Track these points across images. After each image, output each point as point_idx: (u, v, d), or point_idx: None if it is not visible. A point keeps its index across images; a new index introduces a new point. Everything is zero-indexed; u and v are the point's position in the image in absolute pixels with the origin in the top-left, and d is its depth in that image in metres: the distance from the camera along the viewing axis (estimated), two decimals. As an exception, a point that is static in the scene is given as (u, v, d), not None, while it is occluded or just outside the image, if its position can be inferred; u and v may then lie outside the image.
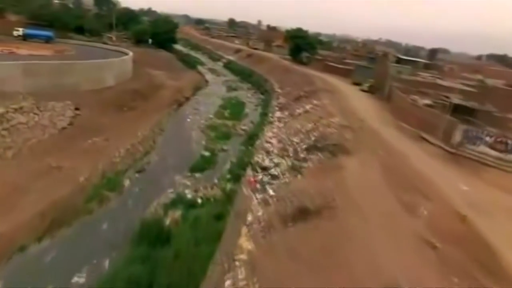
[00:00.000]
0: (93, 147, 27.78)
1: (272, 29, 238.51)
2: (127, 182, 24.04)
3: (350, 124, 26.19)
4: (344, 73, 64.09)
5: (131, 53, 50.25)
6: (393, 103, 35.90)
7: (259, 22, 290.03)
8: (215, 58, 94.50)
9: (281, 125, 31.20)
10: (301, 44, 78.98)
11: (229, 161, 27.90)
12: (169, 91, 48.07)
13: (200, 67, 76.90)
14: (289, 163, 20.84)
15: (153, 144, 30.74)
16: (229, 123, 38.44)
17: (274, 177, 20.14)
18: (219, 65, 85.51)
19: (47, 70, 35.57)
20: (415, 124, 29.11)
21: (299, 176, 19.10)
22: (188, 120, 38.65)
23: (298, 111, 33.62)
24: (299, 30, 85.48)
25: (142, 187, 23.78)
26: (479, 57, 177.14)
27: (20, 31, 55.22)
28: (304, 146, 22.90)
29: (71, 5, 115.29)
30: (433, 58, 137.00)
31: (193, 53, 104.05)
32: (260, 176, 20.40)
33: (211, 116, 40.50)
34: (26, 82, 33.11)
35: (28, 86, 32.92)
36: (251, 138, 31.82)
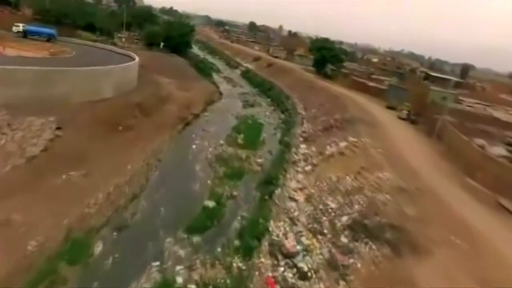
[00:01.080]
0: (65, 187, 21.53)
1: (293, 35, 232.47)
2: (98, 248, 17.66)
3: (406, 184, 19.15)
4: (375, 93, 56.92)
5: (137, 59, 44.23)
6: (450, 145, 28.56)
7: (280, 27, 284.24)
8: (232, 65, 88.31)
9: (309, 168, 24.42)
10: (327, 56, 72.13)
11: (239, 218, 21.24)
12: (176, 106, 41.79)
13: (215, 75, 70.70)
14: (325, 253, 14.01)
15: (145, 183, 24.32)
16: (243, 153, 31.81)
17: (302, 275, 13.34)
18: (236, 74, 79.22)
19: (30, 78, 29.54)
20: (489, 183, 21.89)
21: (341, 284, 12.23)
22: (194, 146, 32.19)
23: (330, 149, 26.74)
24: (325, 40, 78.69)
25: (118, 256, 17.33)
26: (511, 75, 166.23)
27: (20, 27, 50.05)
28: (345, 220, 16.05)
29: (90, 0, 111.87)
30: (465, 76, 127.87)
31: (209, 58, 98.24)
32: (281, 270, 13.61)
33: (221, 142, 33.96)
34: (2, 92, 27.25)
35: (4, 97, 27.04)
36: (269, 182, 25.04)
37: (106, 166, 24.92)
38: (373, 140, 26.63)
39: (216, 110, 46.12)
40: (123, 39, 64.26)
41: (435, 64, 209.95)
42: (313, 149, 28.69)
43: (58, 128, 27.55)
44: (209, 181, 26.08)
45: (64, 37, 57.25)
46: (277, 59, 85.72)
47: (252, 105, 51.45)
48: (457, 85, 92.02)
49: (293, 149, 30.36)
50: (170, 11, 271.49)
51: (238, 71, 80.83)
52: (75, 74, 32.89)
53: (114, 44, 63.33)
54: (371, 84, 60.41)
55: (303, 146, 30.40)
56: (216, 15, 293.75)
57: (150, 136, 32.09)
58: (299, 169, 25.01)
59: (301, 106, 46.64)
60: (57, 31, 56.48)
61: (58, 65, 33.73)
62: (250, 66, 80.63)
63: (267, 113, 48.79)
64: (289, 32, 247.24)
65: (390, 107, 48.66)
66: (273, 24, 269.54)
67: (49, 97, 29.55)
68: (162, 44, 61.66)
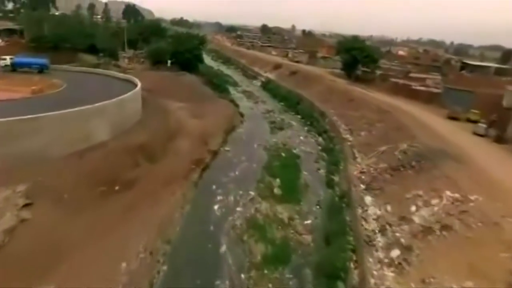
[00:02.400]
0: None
1: (308, 34, 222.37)
2: None
3: None
4: (426, 98, 46.83)
5: (139, 85, 36.36)
6: None
7: (293, 27, 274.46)
8: (250, 75, 79.75)
9: (397, 255, 15.26)
10: (358, 58, 62.37)
11: None
12: (190, 140, 33.49)
13: (232, 90, 62.33)
14: None
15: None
16: (283, 211, 23.11)
17: None
18: (255, 85, 70.62)
19: (-8, 133, 21.94)
20: None
21: None
22: (216, 207, 23.66)
23: (418, 213, 17.48)
24: (354, 40, 68.95)
25: None
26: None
27: (7, 60, 43.23)
28: None
29: (99, 18, 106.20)
30: (508, 61, 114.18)
31: (224, 69, 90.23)
32: None
33: (252, 193, 25.30)
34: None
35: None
36: (333, 277, 16.10)
37: (89, 269, 16.72)
38: (488, 198, 17.19)
39: (239, 139, 37.49)
40: (126, 60, 56.82)
41: (460, 51, 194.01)
42: (388, 208, 19.44)
43: (26, 205, 19.67)
44: (242, 275, 17.39)
45: (61, 64, 50.43)
46: (299, 64, 76.48)
47: (281, 128, 42.50)
48: (499, 71, 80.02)
49: (355, 204, 21.16)
50: (181, 22, 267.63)
51: (257, 83, 72.17)
52: (54, 119, 24.97)
53: (118, 66, 56.16)
54: (420, 87, 50.22)
55: (368, 200, 21.18)
56: (226, 21, 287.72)
57: (157, 195, 23.83)
58: (380, 254, 15.87)
59: (343, 127, 37.30)
60: (51, 58, 49.76)
61: (38, 106, 26.17)
62: (271, 75, 71.78)
63: (302, 138, 39.74)
64: (303, 31, 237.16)
65: (453, 117, 38.71)
66: (284, 24, 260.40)
67: (19, 156, 21.87)
68: (169, 61, 53.78)
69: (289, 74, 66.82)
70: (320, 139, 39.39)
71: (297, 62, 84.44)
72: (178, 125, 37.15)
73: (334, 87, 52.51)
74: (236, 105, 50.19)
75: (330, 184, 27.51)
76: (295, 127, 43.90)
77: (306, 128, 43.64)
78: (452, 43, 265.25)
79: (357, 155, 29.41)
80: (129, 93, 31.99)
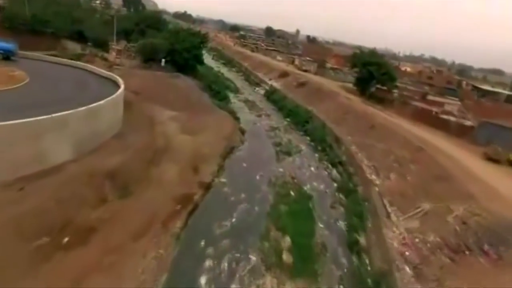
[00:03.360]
0: None
1: (312, 41, 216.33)
2: None
3: None
4: (456, 131, 40.63)
5: (121, 89, 29.33)
6: None
7: (298, 31, 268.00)
8: (253, 81, 72.86)
9: None
10: (375, 74, 56.09)
11: None
12: (177, 166, 26.58)
13: (233, 97, 55.43)
14: None
15: None
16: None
17: None
18: (259, 94, 63.77)
19: None
20: None
21: None
22: (202, 283, 16.70)
23: None
24: (372, 54, 62.66)
25: None
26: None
27: (-39, 42, 35.87)
28: None
29: (97, 4, 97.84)
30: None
31: (225, 71, 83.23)
32: None
33: (254, 262, 18.50)
34: None
35: None
36: None
37: None
38: None
39: (239, 167, 30.60)
40: (114, 53, 49.47)
41: (464, 71, 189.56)
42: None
43: None
44: None
45: (38, 51, 43.09)
46: (307, 74, 69.82)
47: (288, 153, 35.74)
48: (509, 99, 74.91)
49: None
50: (184, 16, 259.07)
51: (261, 91, 65.31)
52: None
53: (105, 59, 48.84)
54: (448, 117, 43.97)
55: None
56: (230, 19, 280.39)
57: (121, 258, 16.84)
58: None
59: (366, 162, 30.66)
60: (28, 44, 42.58)
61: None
62: (276, 84, 64.98)
63: (313, 169, 33.00)
64: (308, 37, 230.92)
65: (493, 159, 32.49)
66: (287, 27, 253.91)
67: None
68: (163, 60, 46.59)
69: (297, 85, 60.11)
70: (334, 171, 32.71)
71: (305, 71, 77.87)
72: (166, 142, 30.17)
73: (349, 106, 45.92)
74: (237, 118, 43.28)
75: (354, 247, 20.83)
76: (304, 152, 37.13)
77: (317, 155, 36.93)
78: (453, 62, 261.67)
79: (388, 208, 22.76)
80: (106, 100, 24.87)
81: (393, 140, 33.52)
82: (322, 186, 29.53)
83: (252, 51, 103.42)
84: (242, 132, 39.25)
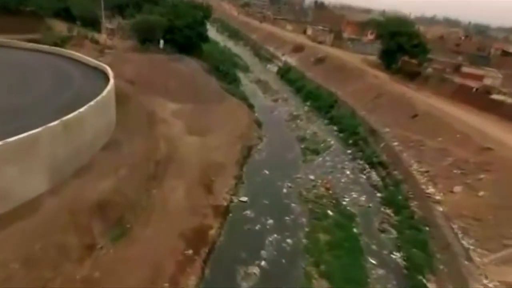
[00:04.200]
0: None
1: (320, 7, 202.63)
2: None
3: None
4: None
5: (110, 84, 23.43)
6: None
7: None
8: (263, 56, 65.62)
9: None
10: (405, 46, 48.83)
11: None
12: (184, 183, 21.25)
13: (243, 78, 48.98)
14: None
15: None
16: None
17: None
18: (271, 72, 56.99)
19: None
20: None
21: None
22: None
23: None
24: (401, 22, 54.84)
25: None
26: None
27: None
28: None
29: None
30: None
31: (231, 45, 75.75)
32: None
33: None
34: None
35: None
36: None
37: None
38: None
39: (259, 176, 25.04)
40: (104, 35, 42.82)
41: (483, 32, 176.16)
42: None
43: None
44: None
45: (18, 34, 37.00)
46: (325, 47, 62.24)
47: (316, 151, 30.00)
48: None
49: None
50: None
51: (273, 68, 58.42)
52: None
53: (96, 42, 42.27)
54: (503, 98, 37.19)
55: None
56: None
57: None
58: None
59: (416, 167, 24.80)
60: (5, 25, 36.63)
61: None
62: (291, 60, 57.89)
63: (348, 172, 27.33)
64: (315, 2, 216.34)
65: None
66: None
67: None
68: (162, 42, 39.91)
69: (315, 61, 53.07)
70: (373, 175, 27.03)
71: (319, 43, 70.09)
72: (169, 148, 24.60)
73: (381, 87, 39.34)
74: (250, 106, 37.24)
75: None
76: (334, 148, 31.33)
77: (349, 151, 31.10)
78: (469, 23, 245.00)
79: (464, 241, 17.22)
80: (88, 106, 18.99)
81: (445, 134, 27.44)
82: (363, 198, 23.98)
83: (261, 22, 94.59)
84: (259, 124, 33.36)
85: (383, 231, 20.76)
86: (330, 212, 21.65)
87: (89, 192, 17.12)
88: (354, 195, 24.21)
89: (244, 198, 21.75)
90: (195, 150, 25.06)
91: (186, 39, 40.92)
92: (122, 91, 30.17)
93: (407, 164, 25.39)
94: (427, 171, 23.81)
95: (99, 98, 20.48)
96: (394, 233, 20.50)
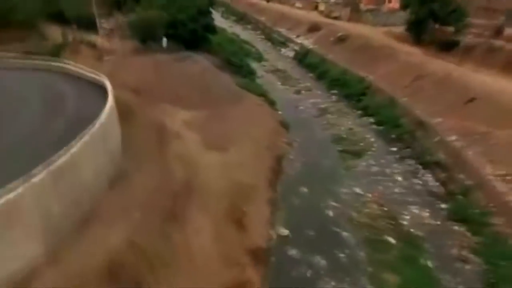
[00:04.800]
0: None
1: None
2: None
3: None
4: None
5: (110, 102, 19.40)
6: None
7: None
8: (276, 41, 60.28)
9: None
10: (438, 13, 42.86)
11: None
12: (210, 224, 17.38)
13: (258, 68, 44.31)
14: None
15: None
16: None
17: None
18: (287, 58, 51.96)
19: None
20: None
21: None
22: None
23: None
24: (431, -16, 48.20)
25: None
26: None
27: None
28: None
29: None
30: None
31: (239, 30, 70.53)
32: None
33: None
34: None
35: None
36: None
37: None
38: None
39: (298, 198, 20.94)
40: (100, 39, 38.66)
41: None
42: None
43: None
44: None
45: (9, 44, 33.37)
46: (343, 24, 56.40)
47: (356, 153, 25.64)
48: None
49: None
50: None
51: (289, 53, 53.24)
52: None
53: (94, 46, 38.21)
54: None
55: None
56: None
57: None
58: None
59: (490, 169, 20.14)
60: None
61: None
62: (307, 42, 52.56)
63: (399, 178, 22.91)
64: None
65: None
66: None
67: None
68: (165, 40, 35.47)
69: (335, 40, 47.69)
70: (430, 178, 22.56)
71: (334, 18, 63.99)
72: (187, 173, 20.67)
73: (419, 66, 34.09)
74: (272, 103, 32.83)
75: None
76: (376, 148, 26.83)
77: (393, 149, 26.54)
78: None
79: None
80: (84, 141, 15.09)
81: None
82: (426, 214, 19.66)
83: (268, 1, 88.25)
84: (286, 126, 29.00)
85: (462, 260, 16.50)
86: (391, 240, 17.52)
87: (96, 252, 13.46)
88: (414, 210, 19.92)
89: (285, 232, 17.80)
90: (218, 172, 21.10)
91: (191, 33, 36.34)
92: (126, 104, 26.26)
93: (475, 164, 20.73)
94: (507, 175, 19.13)
95: (95, 128, 16.54)
96: (480, 262, 16.21)
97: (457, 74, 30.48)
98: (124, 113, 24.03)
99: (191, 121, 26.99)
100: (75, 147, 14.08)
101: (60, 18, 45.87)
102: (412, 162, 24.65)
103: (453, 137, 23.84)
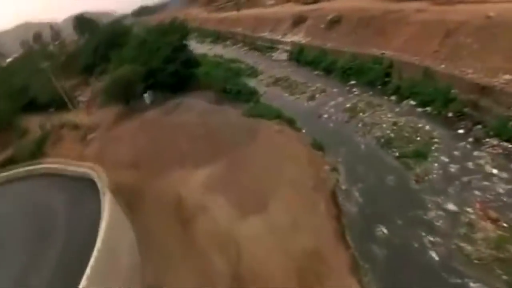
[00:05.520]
0: None
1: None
2: None
3: None
4: None
5: (106, 213, 14.57)
6: None
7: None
8: (262, 47, 55.35)
9: None
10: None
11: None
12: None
13: (257, 84, 39.40)
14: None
15: None
16: None
17: None
18: (281, 60, 46.93)
19: None
20: None
21: None
22: None
23: None
24: None
25: None
26: None
27: None
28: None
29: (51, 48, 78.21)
30: None
31: (220, 49, 66.09)
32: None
33: None
34: None
35: None
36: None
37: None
38: None
39: (377, 243, 15.82)
40: (79, 115, 34.46)
41: None
42: None
43: None
44: None
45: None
46: (327, 4, 51.07)
47: (419, 155, 20.16)
48: None
49: None
50: (144, 9, 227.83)
51: (282, 55, 48.12)
52: None
53: (76, 126, 34.03)
54: None
55: None
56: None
57: None
58: None
59: None
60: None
61: None
62: (297, 38, 47.42)
63: (491, 168, 17.41)
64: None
65: None
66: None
67: None
68: (146, 95, 30.95)
69: (328, 25, 42.38)
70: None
71: (314, 2, 58.77)
72: (231, 263, 16.10)
73: (444, 21, 28.33)
74: (291, 122, 27.71)
75: None
76: (438, 138, 21.28)
77: (459, 131, 21.05)
78: None
79: None
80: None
81: None
82: None
83: (238, 10, 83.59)
84: (320, 147, 23.75)
85: None
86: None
87: None
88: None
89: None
90: (267, 244, 16.05)
91: (173, 75, 31.74)
92: (127, 186, 21.80)
93: None
94: None
95: (94, 256, 11.82)
96: None
97: (500, 11, 24.60)
98: (129, 199, 19.55)
99: (209, 181, 22.14)
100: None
101: (34, 106, 42.44)
102: (494, 141, 19.12)
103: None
